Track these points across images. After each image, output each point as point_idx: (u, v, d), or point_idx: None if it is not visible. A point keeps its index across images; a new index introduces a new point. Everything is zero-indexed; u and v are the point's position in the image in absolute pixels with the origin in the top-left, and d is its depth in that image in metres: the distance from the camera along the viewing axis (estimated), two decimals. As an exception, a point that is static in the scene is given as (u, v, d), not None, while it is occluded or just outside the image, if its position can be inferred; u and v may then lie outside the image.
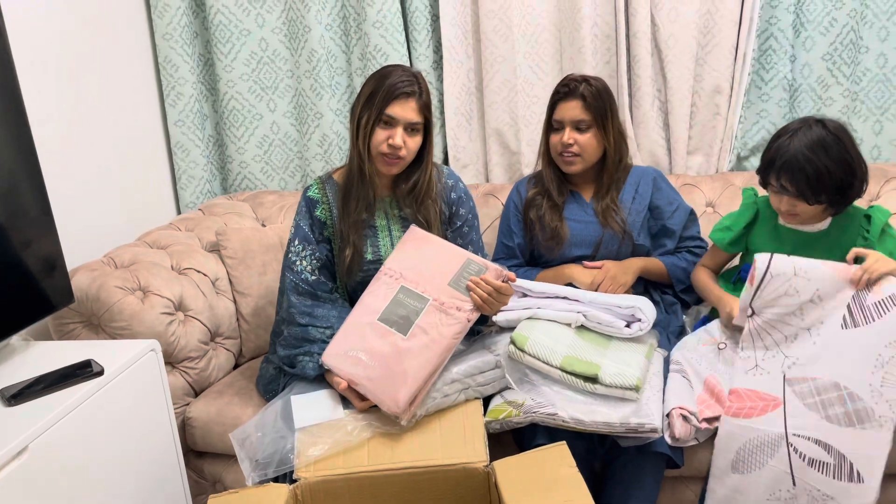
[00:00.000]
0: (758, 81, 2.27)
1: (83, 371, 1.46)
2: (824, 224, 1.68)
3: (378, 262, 1.70)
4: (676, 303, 1.94)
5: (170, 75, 2.43)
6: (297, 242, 1.73)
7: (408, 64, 2.38)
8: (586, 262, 1.88)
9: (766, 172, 1.63)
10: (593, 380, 1.52)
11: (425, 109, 1.66)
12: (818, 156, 1.53)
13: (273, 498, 1.34)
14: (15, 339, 1.65)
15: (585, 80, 1.85)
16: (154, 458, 1.62)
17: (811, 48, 2.21)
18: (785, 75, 2.22)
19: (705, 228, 1.98)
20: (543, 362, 1.56)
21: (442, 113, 2.43)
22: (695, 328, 1.86)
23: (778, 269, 1.52)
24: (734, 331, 1.67)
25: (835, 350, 1.47)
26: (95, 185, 2.13)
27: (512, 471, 1.36)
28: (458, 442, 1.46)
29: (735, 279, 1.82)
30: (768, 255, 1.54)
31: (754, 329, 1.55)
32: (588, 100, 1.83)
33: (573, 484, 1.30)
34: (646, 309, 1.67)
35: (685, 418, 1.52)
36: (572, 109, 1.85)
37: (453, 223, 1.81)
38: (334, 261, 1.76)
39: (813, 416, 1.43)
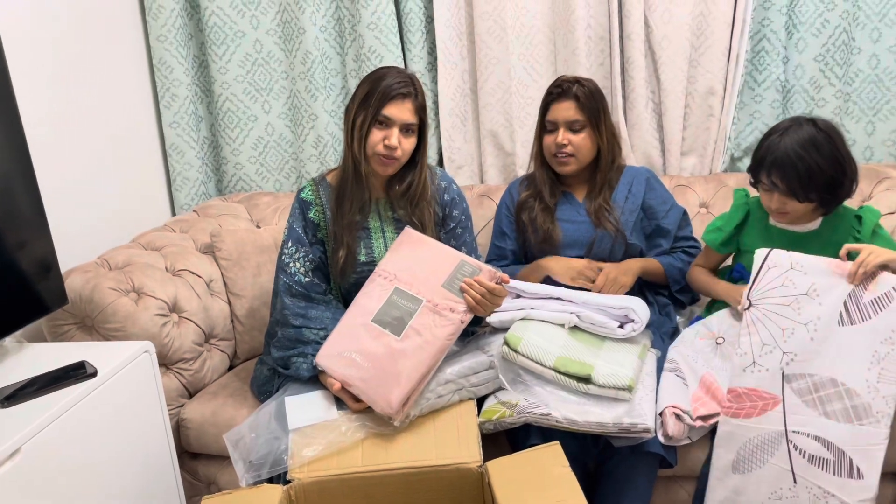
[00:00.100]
0: (751, 83, 2.28)
1: (77, 372, 1.46)
2: (815, 224, 1.69)
3: (371, 264, 1.70)
4: (670, 304, 1.95)
5: (164, 77, 2.43)
6: (290, 244, 1.73)
7: (402, 66, 2.39)
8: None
9: (756, 170, 1.64)
10: (586, 380, 1.52)
11: (420, 111, 1.67)
12: (809, 153, 1.55)
13: (267, 499, 1.34)
14: (8, 341, 1.65)
15: (578, 80, 1.86)
16: (148, 459, 1.62)
17: (804, 49, 2.22)
18: (778, 77, 2.23)
19: (698, 229, 1.98)
20: (537, 363, 1.56)
21: (436, 114, 2.43)
22: (689, 325, 1.87)
23: (775, 261, 1.54)
24: (735, 322, 1.67)
25: (832, 347, 1.48)
26: (90, 187, 2.13)
27: (505, 471, 1.36)
28: (451, 442, 1.46)
29: (727, 279, 1.83)
30: (767, 249, 1.56)
31: (751, 320, 1.56)
32: (581, 100, 1.84)
33: (566, 484, 1.31)
34: (639, 310, 1.67)
35: (678, 417, 1.52)
36: (566, 110, 1.85)
37: (446, 225, 1.82)
38: (328, 262, 1.76)
39: (812, 413, 1.44)
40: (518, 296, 1.77)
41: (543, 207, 1.93)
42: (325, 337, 1.61)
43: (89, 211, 2.11)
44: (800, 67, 2.24)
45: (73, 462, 1.38)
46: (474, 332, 1.79)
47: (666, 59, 2.24)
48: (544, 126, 1.92)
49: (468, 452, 1.43)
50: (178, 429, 1.84)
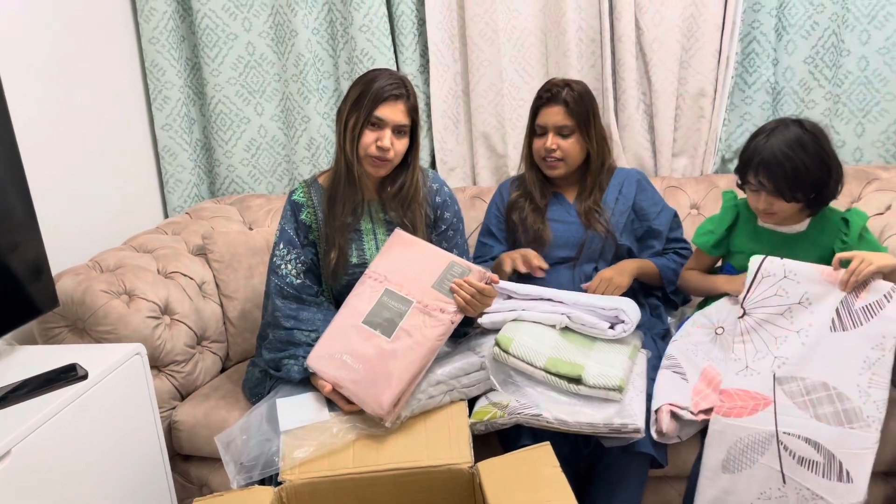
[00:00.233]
0: (741, 84, 2.29)
1: (68, 375, 1.46)
2: (802, 226, 1.70)
3: (363, 266, 1.71)
4: (660, 305, 1.95)
5: (157, 79, 2.43)
6: (282, 246, 1.73)
7: (394, 68, 2.40)
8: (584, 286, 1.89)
9: (744, 170, 1.65)
10: (577, 381, 1.53)
11: (413, 112, 1.68)
12: (795, 153, 1.56)
13: (258, 500, 1.35)
14: (0, 343, 1.66)
15: (567, 84, 1.86)
16: (140, 461, 1.62)
17: (793, 51, 2.23)
18: (768, 78, 2.25)
19: (689, 230, 1.99)
20: (528, 364, 1.57)
21: (429, 116, 2.44)
22: (679, 328, 1.88)
23: (768, 270, 1.56)
24: (734, 310, 1.66)
25: (823, 352, 1.49)
26: (82, 190, 2.13)
27: (496, 471, 1.37)
28: (442, 443, 1.46)
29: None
30: (761, 257, 1.57)
31: (745, 328, 1.57)
32: (570, 105, 1.85)
33: (556, 484, 1.31)
34: (629, 310, 1.68)
35: (675, 416, 1.52)
36: (555, 115, 1.86)
37: (438, 227, 1.82)
38: (319, 264, 1.76)
39: (803, 415, 1.45)
40: (509, 297, 1.78)
41: (534, 208, 1.93)
42: (317, 339, 1.61)
43: (81, 213, 2.11)
44: (789, 69, 2.25)
45: (64, 464, 1.38)
46: (466, 333, 1.80)
47: (657, 61, 2.26)
48: (534, 129, 1.92)
49: (459, 453, 1.43)
50: (170, 431, 1.84)
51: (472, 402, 1.62)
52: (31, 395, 1.39)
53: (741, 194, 1.77)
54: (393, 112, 1.63)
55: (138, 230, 2.27)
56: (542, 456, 1.38)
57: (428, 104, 2.43)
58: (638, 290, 1.94)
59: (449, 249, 1.76)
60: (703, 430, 1.57)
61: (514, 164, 2.41)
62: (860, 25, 2.19)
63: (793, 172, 1.56)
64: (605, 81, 2.29)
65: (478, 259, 2.02)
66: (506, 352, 1.58)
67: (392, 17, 2.37)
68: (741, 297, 1.59)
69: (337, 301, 1.76)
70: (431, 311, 1.53)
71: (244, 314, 2.08)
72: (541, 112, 1.89)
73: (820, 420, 1.44)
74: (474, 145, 2.46)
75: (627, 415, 1.48)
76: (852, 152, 2.29)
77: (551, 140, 1.87)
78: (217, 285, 2.10)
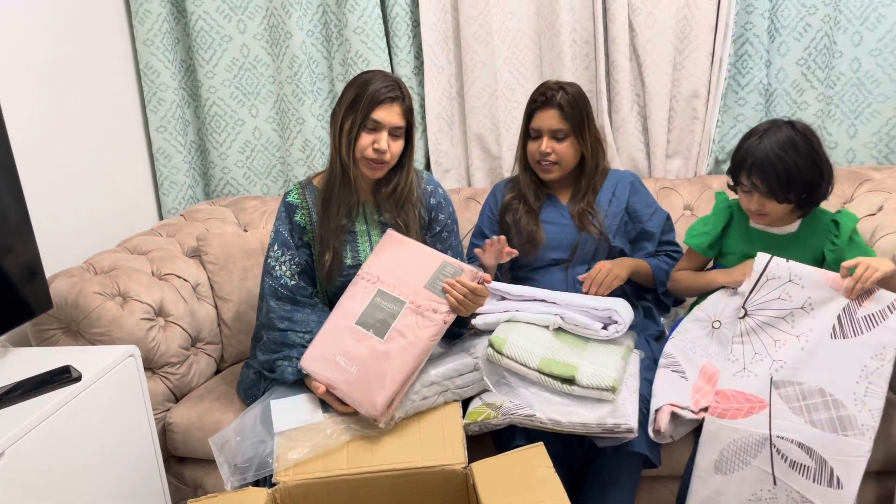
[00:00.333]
0: (734, 86, 2.30)
1: (61, 377, 1.46)
2: (793, 227, 1.71)
3: (357, 267, 1.71)
4: (652, 308, 1.96)
5: (151, 81, 2.43)
6: (276, 247, 1.73)
7: (389, 70, 2.40)
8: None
9: (737, 172, 1.66)
10: (570, 381, 1.53)
11: (408, 114, 1.69)
12: (788, 154, 1.57)
13: (252, 502, 1.35)
14: (-7, 346, 1.65)
15: (562, 87, 1.86)
16: (134, 463, 1.62)
17: (786, 53, 2.24)
18: (761, 80, 2.26)
19: (683, 231, 1.99)
20: (521, 364, 1.57)
21: (423, 118, 2.44)
22: (672, 329, 1.88)
23: (774, 272, 1.55)
24: (731, 302, 1.67)
25: (822, 358, 1.49)
26: (76, 192, 2.13)
27: (489, 472, 1.37)
28: (436, 444, 1.47)
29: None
30: (767, 256, 1.57)
31: (745, 329, 1.57)
32: (565, 109, 1.85)
33: (550, 484, 1.32)
34: (622, 311, 1.69)
35: (675, 416, 1.53)
36: (550, 119, 1.86)
37: (432, 228, 1.83)
38: (314, 265, 1.77)
39: (797, 420, 1.45)
40: (503, 298, 1.78)
41: (528, 210, 1.94)
42: (311, 340, 1.61)
43: (75, 215, 2.11)
44: (782, 71, 2.27)
45: (57, 466, 1.38)
46: (461, 334, 1.80)
47: (650, 63, 2.26)
48: (528, 132, 1.93)
49: (453, 454, 1.43)
50: (165, 433, 1.84)
51: (465, 403, 1.63)
52: (25, 398, 1.39)
53: (732, 195, 1.78)
54: (389, 114, 1.64)
55: (133, 232, 2.27)
56: (536, 456, 1.39)
57: (422, 106, 2.44)
58: (630, 293, 1.94)
59: (443, 251, 1.77)
60: (695, 430, 1.57)
61: (508, 166, 2.42)
62: (852, 27, 2.20)
63: (785, 174, 1.57)
64: (598, 83, 2.30)
65: (470, 260, 2.02)
66: (499, 353, 1.59)
67: (386, 19, 2.38)
68: (744, 293, 1.58)
69: (331, 302, 1.76)
70: (424, 311, 1.53)
71: (239, 316, 2.08)
72: (535, 115, 1.89)
73: (814, 426, 1.44)
74: (469, 147, 2.46)
75: (620, 415, 1.49)
76: (845, 153, 2.30)
77: (546, 144, 1.87)
78: (211, 287, 2.10)
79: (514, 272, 2.02)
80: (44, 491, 1.34)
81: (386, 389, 1.47)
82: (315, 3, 2.39)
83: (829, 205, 1.80)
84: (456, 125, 2.49)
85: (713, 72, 2.25)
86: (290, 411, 1.54)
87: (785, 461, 1.45)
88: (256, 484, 1.46)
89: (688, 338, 1.70)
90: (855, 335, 1.49)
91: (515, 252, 1.80)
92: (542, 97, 1.87)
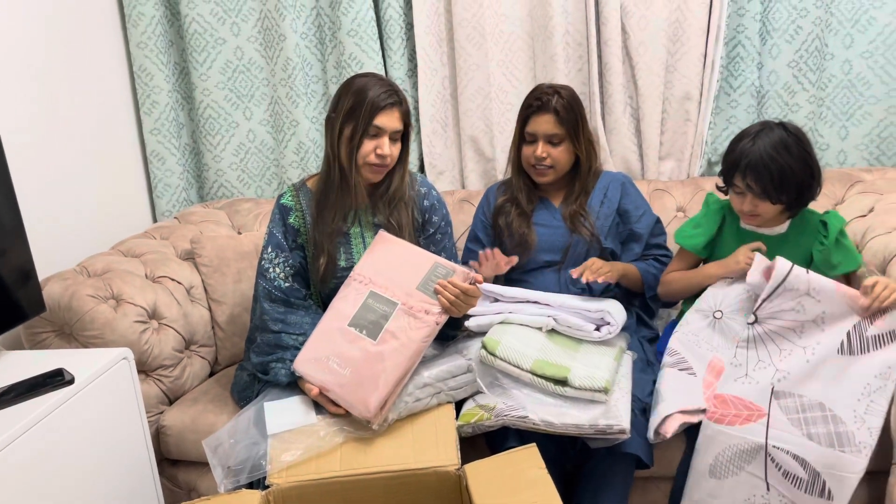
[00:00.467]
0: (726, 88, 2.31)
1: (54, 380, 1.46)
2: (783, 227, 1.73)
3: (351, 269, 1.71)
4: (641, 312, 1.96)
5: (145, 84, 2.43)
6: (270, 250, 1.74)
7: (383, 72, 2.40)
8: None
9: (730, 174, 1.67)
10: (563, 382, 1.53)
11: (406, 116, 1.70)
12: (781, 155, 1.59)
13: (245, 504, 1.35)
14: (-14, 349, 1.65)
15: (556, 91, 1.86)
16: (127, 466, 1.62)
17: (777, 55, 2.25)
18: (753, 82, 2.27)
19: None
20: (514, 366, 1.58)
21: (417, 120, 2.45)
22: (665, 331, 1.89)
23: (793, 283, 1.52)
24: (729, 291, 1.67)
25: (826, 372, 1.49)
26: (70, 195, 2.13)
27: (482, 473, 1.37)
28: (429, 446, 1.47)
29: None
30: (789, 264, 1.54)
31: (753, 336, 1.56)
32: (561, 114, 1.85)
33: (542, 486, 1.32)
34: (615, 312, 1.69)
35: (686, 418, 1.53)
36: (545, 123, 1.86)
37: (426, 230, 1.83)
38: (308, 267, 1.77)
39: (795, 432, 1.44)
40: (496, 300, 1.78)
41: (520, 213, 1.94)
42: (305, 342, 1.61)
43: (68, 218, 2.11)
44: (774, 73, 2.28)
45: (50, 470, 1.38)
46: (454, 336, 1.81)
47: (643, 65, 2.27)
48: (523, 136, 1.93)
49: (446, 456, 1.44)
50: (158, 435, 1.84)
51: (459, 405, 1.63)
52: (18, 401, 1.40)
53: (723, 197, 1.79)
54: (390, 120, 1.65)
55: (126, 235, 2.27)
56: (529, 457, 1.39)
57: (416, 108, 2.44)
58: (621, 297, 1.94)
59: (437, 253, 1.77)
60: (686, 431, 1.57)
61: (501, 168, 2.42)
62: (843, 29, 2.21)
63: (779, 174, 1.59)
64: (591, 86, 2.30)
65: (465, 265, 2.02)
66: (492, 354, 1.59)
67: (380, 22, 2.38)
68: (757, 292, 1.57)
69: (325, 304, 1.76)
70: (416, 312, 1.53)
71: (233, 318, 2.08)
72: (531, 120, 1.89)
73: (812, 439, 1.43)
74: (462, 149, 2.47)
75: (613, 416, 1.49)
76: (836, 155, 2.31)
77: (541, 148, 1.88)
78: (205, 289, 2.10)
79: (507, 274, 2.02)
80: (37, 494, 1.34)
81: (379, 391, 1.47)
82: (309, 6, 2.40)
83: (821, 206, 1.82)
84: (450, 127, 2.49)
85: (705, 74, 2.26)
86: (283, 413, 1.54)
87: (778, 469, 1.45)
88: (250, 486, 1.46)
89: (690, 330, 1.69)
90: (862, 353, 1.48)
91: (515, 259, 1.80)
92: (538, 102, 1.87)
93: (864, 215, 1.92)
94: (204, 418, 1.81)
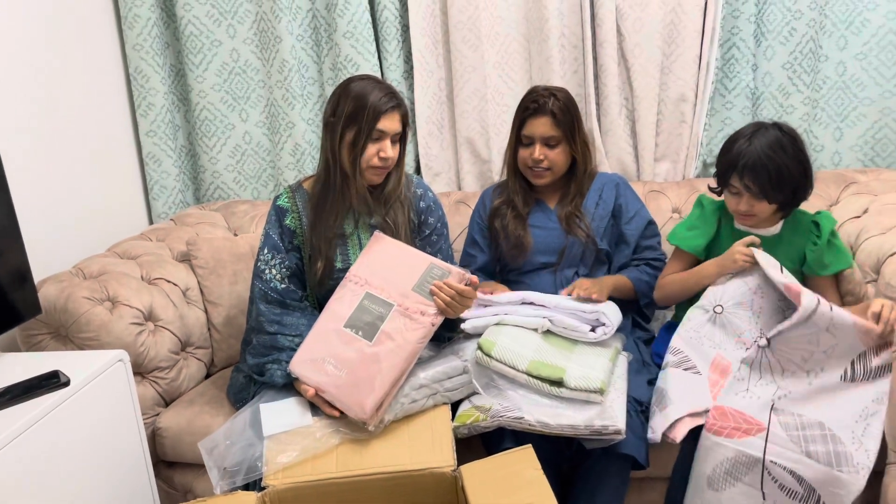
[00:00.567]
0: (721, 90, 2.32)
1: (49, 382, 1.46)
2: (777, 228, 1.74)
3: (347, 271, 1.71)
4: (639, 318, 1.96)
5: (141, 86, 2.43)
6: (266, 251, 1.74)
7: (379, 74, 2.41)
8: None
9: (727, 174, 1.67)
10: (559, 383, 1.54)
11: (405, 118, 1.72)
12: (778, 154, 1.60)
13: (240, 505, 1.35)
14: (-19, 351, 1.65)
15: (552, 94, 1.87)
16: (123, 468, 1.62)
17: (772, 57, 2.26)
18: (747, 84, 2.27)
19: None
20: (510, 367, 1.58)
21: (413, 122, 2.45)
22: (661, 332, 1.90)
23: (817, 321, 1.50)
24: (728, 285, 1.67)
25: (826, 394, 1.50)
26: (66, 197, 2.12)
27: (478, 474, 1.38)
28: (426, 447, 1.47)
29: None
30: (816, 299, 1.51)
31: (761, 359, 1.55)
32: (558, 116, 1.85)
33: (538, 486, 1.33)
34: (610, 313, 1.69)
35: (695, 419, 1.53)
36: (542, 126, 1.87)
37: (422, 231, 1.84)
38: (304, 269, 1.77)
39: (794, 448, 1.44)
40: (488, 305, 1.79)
41: (516, 215, 1.95)
42: (300, 344, 1.61)
43: (64, 220, 2.11)
44: (768, 75, 2.29)
45: (46, 472, 1.38)
46: (450, 337, 1.81)
47: (638, 67, 2.28)
48: (519, 139, 1.93)
49: (442, 457, 1.44)
50: (154, 437, 1.84)
51: (455, 406, 1.63)
52: (13, 403, 1.39)
53: (716, 199, 1.80)
54: (392, 123, 1.67)
55: (122, 237, 2.27)
56: (524, 458, 1.39)
57: (412, 110, 2.44)
58: (616, 300, 1.94)
59: (433, 254, 1.77)
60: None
61: (497, 170, 2.42)
62: (837, 31, 2.22)
63: (777, 174, 1.60)
64: (587, 87, 2.31)
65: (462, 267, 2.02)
66: (488, 355, 1.60)
67: (376, 24, 2.39)
68: (778, 326, 1.54)
69: (321, 306, 1.76)
70: (412, 313, 1.54)
71: (229, 320, 2.08)
72: (527, 123, 1.89)
73: (810, 457, 1.43)
74: (459, 151, 2.47)
75: (608, 416, 1.50)
76: (831, 156, 2.32)
77: (539, 151, 1.88)
78: (201, 291, 2.10)
79: (503, 275, 2.03)
80: (33, 496, 1.34)
81: (375, 392, 1.47)
82: (304, 8, 2.40)
83: (815, 207, 1.83)
84: (446, 129, 2.50)
85: (700, 76, 2.27)
86: (279, 415, 1.55)
87: (775, 483, 1.45)
88: (246, 488, 1.46)
89: (692, 327, 1.69)
90: (864, 381, 1.49)
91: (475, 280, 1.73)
92: (534, 104, 1.87)
93: (859, 216, 1.93)
94: (200, 420, 1.81)
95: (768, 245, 1.71)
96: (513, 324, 1.69)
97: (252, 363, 1.69)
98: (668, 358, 1.67)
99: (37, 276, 1.73)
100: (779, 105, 2.30)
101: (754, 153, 1.61)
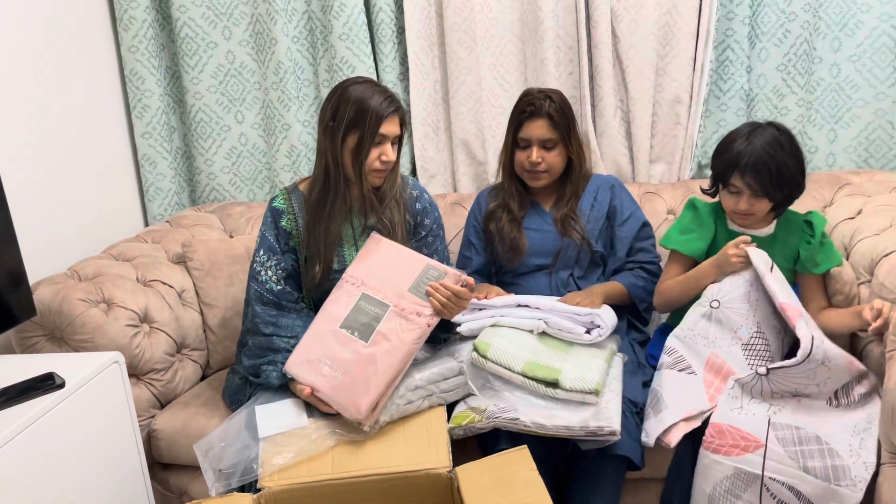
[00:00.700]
0: (716, 91, 2.33)
1: (44, 384, 1.45)
2: (770, 228, 1.75)
3: (343, 272, 1.71)
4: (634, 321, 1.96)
5: (136, 88, 2.43)
6: (262, 253, 1.74)
7: (374, 76, 2.41)
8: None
9: (726, 174, 1.68)
10: (554, 385, 1.54)
11: (403, 120, 1.72)
12: (777, 152, 1.63)
13: (236, 507, 1.35)
14: (-24, 353, 1.65)
15: (548, 96, 1.87)
16: (118, 470, 1.62)
17: (766, 59, 2.27)
18: (742, 86, 2.28)
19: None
20: (506, 368, 1.58)
21: (409, 124, 2.45)
22: (655, 334, 1.90)
23: (814, 357, 1.50)
24: (725, 280, 1.68)
25: (817, 413, 1.52)
26: (61, 199, 2.12)
27: (474, 476, 1.38)
28: (421, 448, 1.47)
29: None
30: (811, 334, 1.51)
31: (758, 385, 1.56)
32: (554, 118, 1.86)
33: (534, 487, 1.33)
34: (605, 315, 1.70)
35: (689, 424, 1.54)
36: (539, 129, 1.87)
37: (418, 233, 1.84)
38: (300, 270, 1.77)
39: (791, 464, 1.44)
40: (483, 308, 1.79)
41: (511, 218, 1.95)
42: (296, 345, 1.61)
43: (59, 222, 2.11)
44: (763, 76, 2.29)
45: (41, 474, 1.38)
46: (446, 339, 1.81)
47: (633, 69, 2.28)
48: (516, 142, 1.93)
49: (438, 458, 1.44)
50: (149, 439, 1.84)
51: (450, 407, 1.64)
52: (8, 405, 1.39)
53: (710, 200, 1.80)
54: (392, 126, 1.68)
55: (118, 239, 2.26)
56: (520, 459, 1.40)
57: (408, 112, 2.45)
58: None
59: (429, 255, 1.77)
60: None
61: (493, 171, 2.43)
62: (831, 33, 2.23)
63: (777, 171, 1.62)
64: (582, 89, 2.32)
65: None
66: (484, 357, 1.60)
67: (371, 26, 2.39)
68: (779, 362, 1.55)
69: (317, 307, 1.76)
70: (408, 314, 1.54)
71: (224, 322, 2.08)
72: (524, 126, 1.89)
73: (808, 472, 1.42)
74: (454, 152, 2.47)
75: (604, 417, 1.50)
76: (825, 158, 2.33)
77: (536, 154, 1.88)
78: (197, 293, 2.10)
79: (499, 277, 2.03)
80: (28, 498, 1.34)
81: (370, 393, 1.48)
82: (300, 10, 2.40)
83: (809, 208, 1.83)
84: (441, 131, 2.50)
85: (695, 77, 2.28)
86: (274, 416, 1.55)
87: (774, 499, 1.45)
88: (241, 489, 1.46)
89: (686, 325, 1.69)
90: (848, 406, 1.53)
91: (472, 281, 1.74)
92: (531, 107, 1.87)
93: (853, 217, 1.93)
94: (195, 422, 1.80)
95: (764, 245, 1.71)
96: (508, 325, 1.70)
97: (248, 365, 1.69)
98: (664, 359, 1.68)
99: (32, 278, 1.73)
100: (773, 107, 2.31)
101: (755, 151, 1.63)
